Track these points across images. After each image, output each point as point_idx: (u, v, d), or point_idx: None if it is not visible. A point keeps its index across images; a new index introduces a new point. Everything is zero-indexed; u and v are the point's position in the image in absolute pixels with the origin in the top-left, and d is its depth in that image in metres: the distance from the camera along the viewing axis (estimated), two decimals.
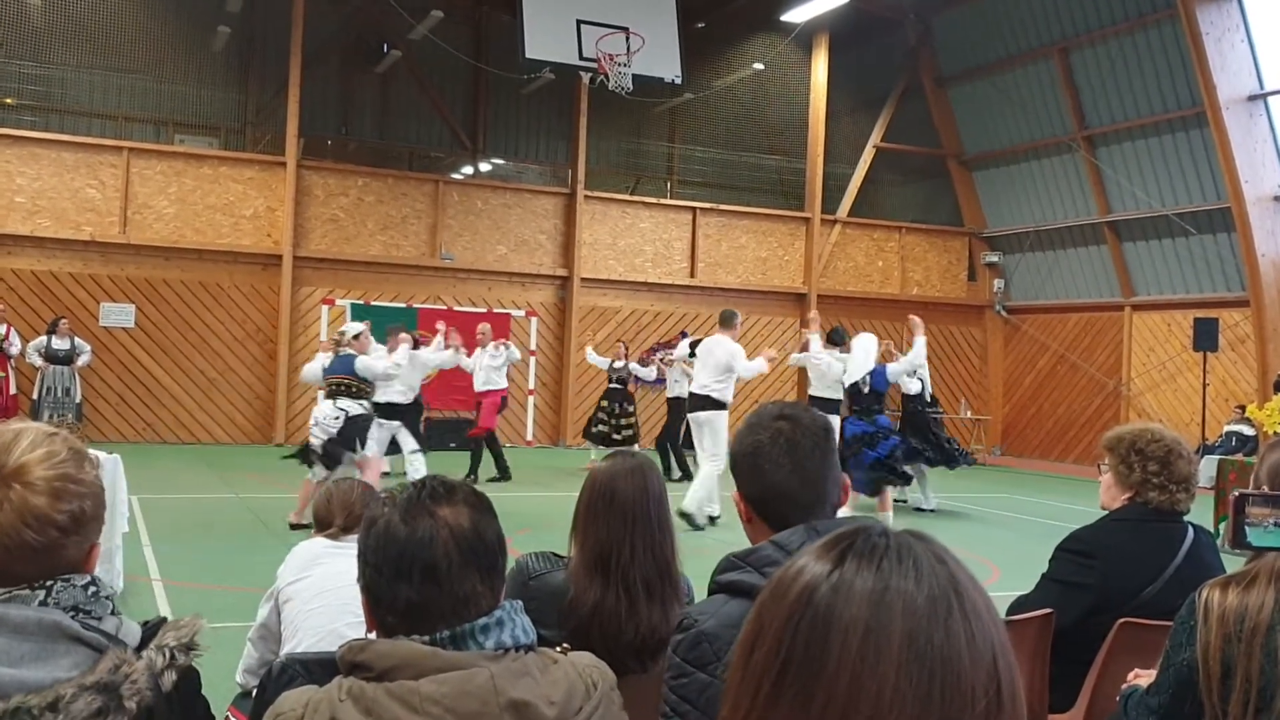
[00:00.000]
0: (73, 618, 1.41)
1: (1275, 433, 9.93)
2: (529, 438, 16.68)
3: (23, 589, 1.41)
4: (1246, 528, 1.97)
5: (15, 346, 13.27)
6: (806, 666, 0.76)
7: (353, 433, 8.50)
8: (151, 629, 1.49)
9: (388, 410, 9.56)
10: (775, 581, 0.82)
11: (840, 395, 10.12)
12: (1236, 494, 2.00)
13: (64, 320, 13.55)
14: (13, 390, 13.27)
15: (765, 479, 1.82)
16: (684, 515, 8.74)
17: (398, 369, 9.14)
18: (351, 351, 8.69)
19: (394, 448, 9.98)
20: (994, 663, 0.77)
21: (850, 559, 0.79)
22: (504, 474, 11.69)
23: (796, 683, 0.76)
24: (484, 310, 16.30)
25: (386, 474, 10.32)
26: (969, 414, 18.67)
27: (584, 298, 16.95)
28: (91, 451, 1.72)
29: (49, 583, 1.43)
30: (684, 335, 17.68)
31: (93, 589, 1.46)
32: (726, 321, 9.52)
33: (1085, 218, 17.51)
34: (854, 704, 0.74)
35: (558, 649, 1.57)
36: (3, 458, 1.43)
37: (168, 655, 1.44)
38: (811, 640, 0.76)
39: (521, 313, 16.73)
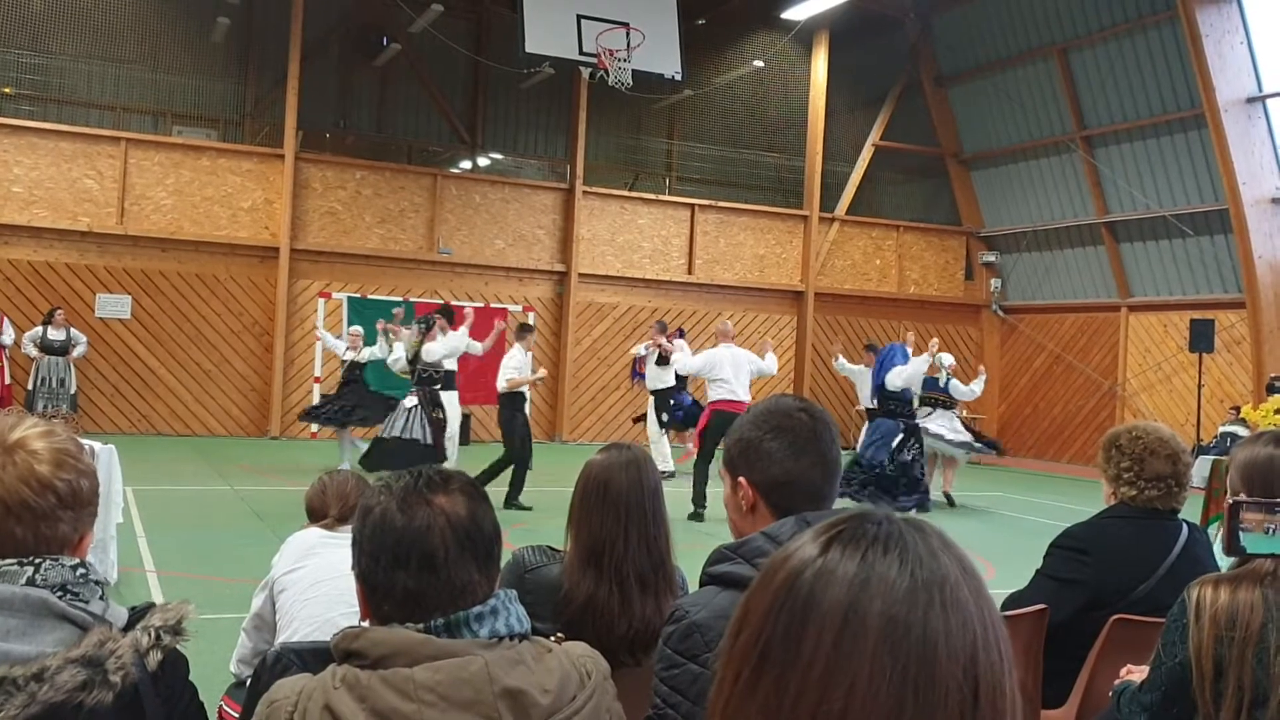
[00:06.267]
0: (59, 597, 1.43)
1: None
2: None
3: (10, 564, 1.43)
4: (1240, 533, 1.98)
5: (9, 337, 13.26)
6: (784, 653, 0.76)
7: None
8: (139, 613, 1.51)
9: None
10: (765, 568, 0.82)
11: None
12: (1231, 501, 2.00)
13: (60, 311, 13.53)
14: (7, 380, 13.26)
15: (782, 467, 1.81)
16: None
17: None
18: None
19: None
20: (973, 658, 0.75)
21: (836, 546, 0.79)
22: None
23: (774, 669, 0.76)
24: (481, 305, 16.29)
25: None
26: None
27: (581, 293, 16.95)
28: (86, 443, 1.75)
29: (38, 560, 1.45)
30: (681, 332, 17.69)
31: (81, 571, 1.48)
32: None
33: (1083, 218, 17.52)
34: (828, 693, 0.73)
35: (552, 639, 1.57)
36: (7, 433, 1.51)
37: (153, 635, 1.45)
38: (790, 627, 0.76)
39: (519, 308, 16.73)
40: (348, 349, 12.16)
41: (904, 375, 10.65)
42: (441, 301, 16.06)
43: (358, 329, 12.69)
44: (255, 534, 7.86)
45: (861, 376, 12.62)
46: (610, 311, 17.26)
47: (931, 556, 0.78)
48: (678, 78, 14.66)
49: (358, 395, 11.80)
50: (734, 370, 10.08)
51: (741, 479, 1.85)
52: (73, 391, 13.49)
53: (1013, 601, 3.05)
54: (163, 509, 8.78)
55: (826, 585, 0.76)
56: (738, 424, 1.92)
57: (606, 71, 13.44)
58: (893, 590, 0.75)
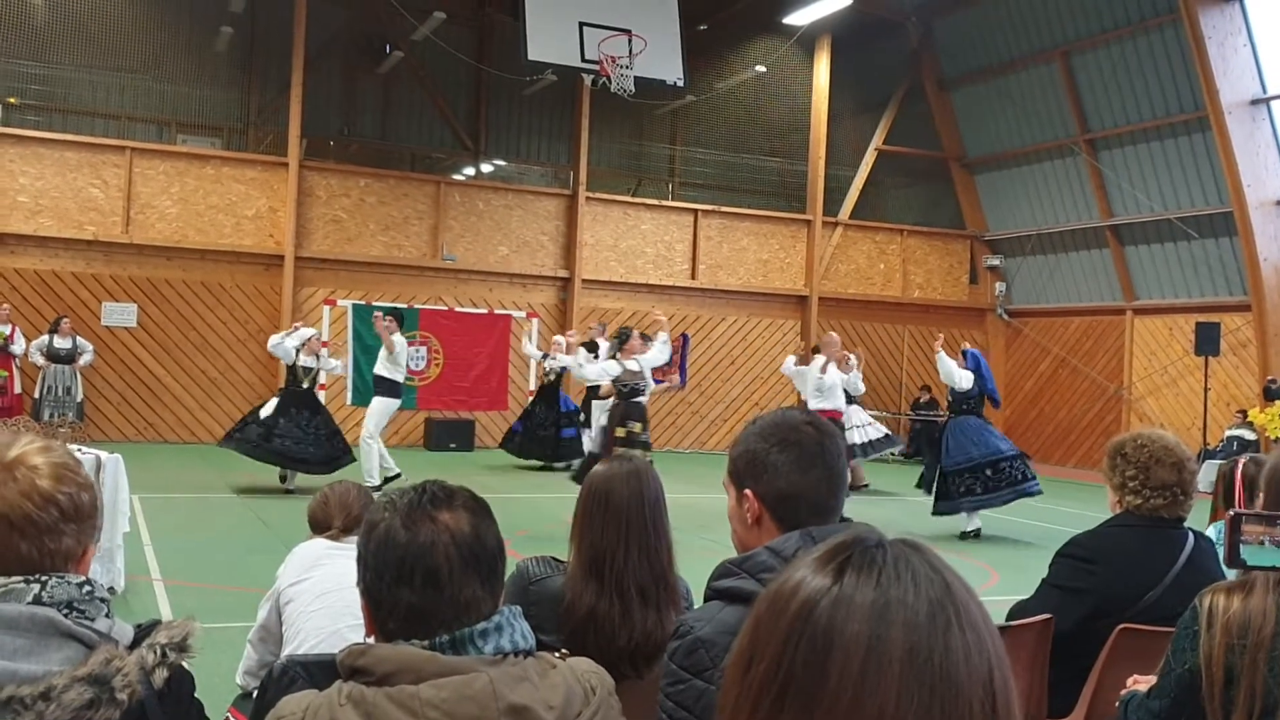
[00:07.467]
0: (65, 615, 1.43)
1: (1277, 438, 9.92)
2: None
3: (17, 582, 1.44)
4: (1241, 546, 1.97)
5: (20, 346, 13.28)
6: (807, 685, 0.75)
7: None
8: (145, 630, 1.51)
9: None
10: (772, 595, 0.81)
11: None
12: (1232, 513, 2.01)
13: (66, 320, 13.56)
14: (17, 389, 13.29)
15: (789, 480, 1.80)
16: None
17: None
18: None
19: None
20: (990, 676, 0.76)
21: (849, 572, 0.78)
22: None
23: (796, 701, 0.75)
24: (485, 311, 16.32)
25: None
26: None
27: (585, 299, 16.95)
28: (92, 452, 1.76)
29: (44, 578, 1.45)
30: (685, 338, 17.70)
31: (87, 588, 1.49)
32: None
33: (1087, 221, 17.50)
34: None
35: (556, 654, 1.57)
36: (5, 451, 1.52)
37: (159, 653, 1.46)
38: (811, 658, 0.76)
39: (522, 314, 16.74)
40: (298, 349, 10.55)
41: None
42: (446, 308, 16.11)
43: (307, 330, 11.00)
44: (262, 542, 7.86)
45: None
46: (614, 317, 17.24)
47: (938, 575, 0.79)
48: (680, 83, 14.66)
49: (273, 421, 10.37)
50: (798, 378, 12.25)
51: (747, 491, 1.84)
52: (79, 400, 13.51)
53: (1018, 611, 3.05)
54: (169, 517, 8.79)
55: (847, 615, 0.76)
56: (743, 436, 1.90)
57: (609, 78, 13.45)
58: (913, 615, 0.76)
